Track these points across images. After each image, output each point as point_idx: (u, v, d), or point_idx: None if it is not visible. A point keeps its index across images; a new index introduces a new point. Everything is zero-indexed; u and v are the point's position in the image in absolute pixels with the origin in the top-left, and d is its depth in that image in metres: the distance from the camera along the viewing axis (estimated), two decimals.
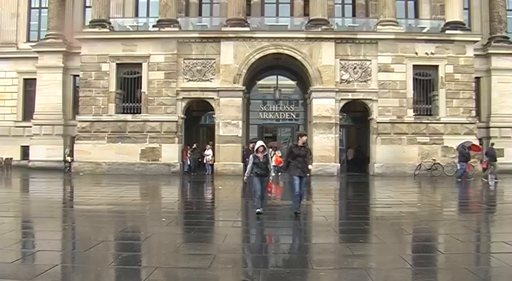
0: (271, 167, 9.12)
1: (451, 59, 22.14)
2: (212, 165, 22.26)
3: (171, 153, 22.04)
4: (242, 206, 11.94)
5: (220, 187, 16.56)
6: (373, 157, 22.28)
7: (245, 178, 9.42)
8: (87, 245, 6.62)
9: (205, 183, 19.27)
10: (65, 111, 24.91)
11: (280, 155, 21.80)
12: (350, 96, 22.34)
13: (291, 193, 9.21)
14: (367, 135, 23.26)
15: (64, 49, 24.69)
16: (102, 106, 22.37)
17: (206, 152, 22.66)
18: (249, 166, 9.15)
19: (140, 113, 22.39)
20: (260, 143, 9.11)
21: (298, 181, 8.96)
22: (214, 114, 22.81)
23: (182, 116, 22.50)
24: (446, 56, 22.14)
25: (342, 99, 22.26)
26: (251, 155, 9.12)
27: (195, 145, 23.24)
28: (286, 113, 25.38)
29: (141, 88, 22.47)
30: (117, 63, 22.45)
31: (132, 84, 22.65)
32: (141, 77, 22.45)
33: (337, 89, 22.03)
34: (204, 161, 22.75)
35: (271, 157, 21.71)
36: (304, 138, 9.27)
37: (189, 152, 22.70)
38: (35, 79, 24.96)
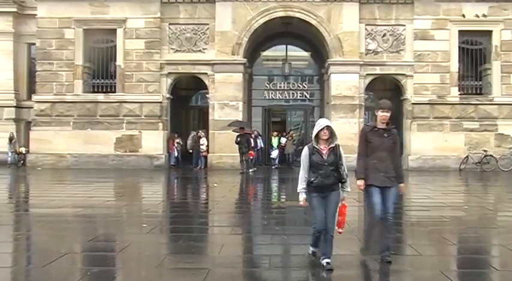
0: (346, 173, 6.09)
1: (509, 22, 21.92)
2: (206, 157, 22.32)
3: (153, 142, 22.06)
4: (243, 209, 11.95)
5: (215, 184, 16.58)
6: (407, 147, 22.23)
7: (302, 198, 6.12)
8: (46, 258, 6.59)
9: (197, 179, 19.33)
10: (17, 90, 24.78)
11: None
12: (378, 70, 22.29)
13: (367, 217, 6.42)
14: (399, 119, 23.16)
15: (14, 10, 24.38)
16: (66, 83, 22.34)
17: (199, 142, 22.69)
18: (302, 171, 6.13)
19: (115, 92, 22.38)
20: (325, 122, 6.12)
21: (378, 196, 6.20)
22: (207, 93, 22.79)
23: (168, 95, 22.49)
24: (502, 19, 21.90)
25: (367, 74, 22.23)
26: (305, 148, 6.16)
27: (196, 132, 23.23)
28: (298, 92, 25.33)
29: (115, 61, 22.41)
30: (84, 29, 22.33)
31: (104, 56, 22.62)
32: (115, 46, 22.38)
33: (361, 62, 21.96)
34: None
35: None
36: (388, 114, 6.32)
37: (176, 141, 22.73)
38: None
